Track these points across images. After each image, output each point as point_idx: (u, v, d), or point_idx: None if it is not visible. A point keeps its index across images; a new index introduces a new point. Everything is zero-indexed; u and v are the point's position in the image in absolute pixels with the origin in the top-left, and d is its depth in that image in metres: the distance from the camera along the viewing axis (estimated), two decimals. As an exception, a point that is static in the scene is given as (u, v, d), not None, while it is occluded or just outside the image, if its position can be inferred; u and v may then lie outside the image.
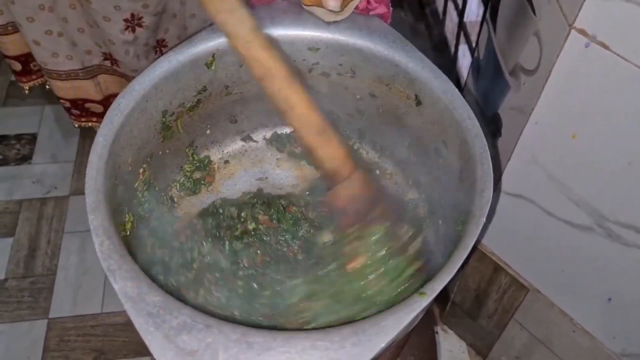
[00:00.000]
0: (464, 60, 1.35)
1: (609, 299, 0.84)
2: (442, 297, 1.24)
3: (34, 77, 1.31)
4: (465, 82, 1.01)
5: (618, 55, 0.62)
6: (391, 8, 0.79)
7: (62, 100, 1.25)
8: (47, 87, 1.30)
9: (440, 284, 0.54)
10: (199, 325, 0.51)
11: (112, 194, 0.62)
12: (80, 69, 1.17)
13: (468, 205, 0.62)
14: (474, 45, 1.26)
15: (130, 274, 0.54)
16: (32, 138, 1.65)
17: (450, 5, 1.50)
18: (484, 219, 0.59)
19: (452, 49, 1.42)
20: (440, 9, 1.55)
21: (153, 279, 0.55)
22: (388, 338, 0.51)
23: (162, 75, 0.71)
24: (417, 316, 0.54)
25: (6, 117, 1.69)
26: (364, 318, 0.52)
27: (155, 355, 0.50)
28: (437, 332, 1.27)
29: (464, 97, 0.70)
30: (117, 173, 0.66)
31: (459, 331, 1.27)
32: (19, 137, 1.65)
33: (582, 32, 0.63)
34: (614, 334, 0.88)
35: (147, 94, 0.70)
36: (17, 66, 1.26)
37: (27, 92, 1.33)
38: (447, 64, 1.40)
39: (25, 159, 1.61)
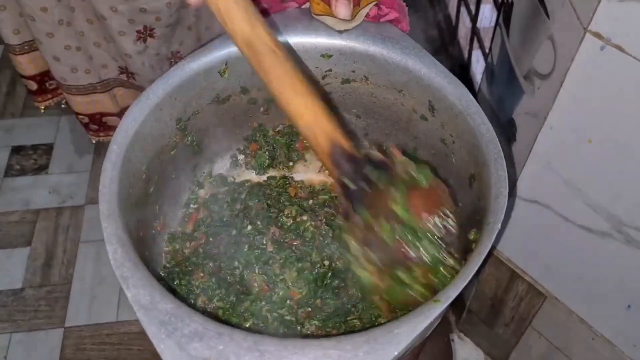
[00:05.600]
0: (478, 66, 1.34)
1: (628, 306, 0.82)
2: (458, 305, 1.23)
3: (49, 96, 1.33)
4: (479, 88, 1.00)
5: (634, 57, 0.61)
6: (407, 17, 0.78)
7: (80, 116, 1.26)
8: (62, 105, 1.33)
9: (454, 291, 0.54)
10: (210, 333, 0.51)
11: (125, 202, 0.62)
12: (98, 83, 1.18)
13: (483, 212, 0.61)
14: (487, 50, 1.26)
15: (143, 281, 0.54)
16: (49, 148, 1.67)
17: (463, 10, 1.50)
18: (499, 225, 0.58)
19: (466, 55, 1.41)
20: (453, 14, 1.55)
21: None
22: (401, 346, 0.50)
23: (175, 84, 0.71)
24: (431, 324, 0.53)
25: (23, 128, 1.72)
26: (376, 326, 0.52)
27: (167, 363, 0.50)
28: (453, 340, 1.26)
29: (478, 102, 0.69)
30: (131, 181, 0.66)
31: (476, 339, 1.26)
32: (35, 148, 1.67)
33: (597, 35, 0.62)
34: (634, 341, 0.86)
35: (160, 103, 0.70)
36: (33, 86, 1.28)
37: (42, 111, 1.36)
38: (460, 69, 1.40)
39: (42, 169, 1.62)
